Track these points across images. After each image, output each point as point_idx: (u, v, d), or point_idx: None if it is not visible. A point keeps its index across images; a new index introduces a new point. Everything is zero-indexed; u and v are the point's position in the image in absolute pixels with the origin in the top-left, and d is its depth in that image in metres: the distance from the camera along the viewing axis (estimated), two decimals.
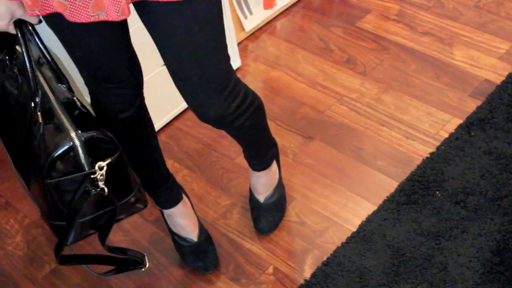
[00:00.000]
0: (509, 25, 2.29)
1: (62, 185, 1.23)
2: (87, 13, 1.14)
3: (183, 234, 1.71)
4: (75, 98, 1.26)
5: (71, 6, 1.13)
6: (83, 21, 1.15)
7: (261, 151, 1.65)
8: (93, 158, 1.22)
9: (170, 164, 1.99)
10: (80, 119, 1.24)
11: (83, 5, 1.13)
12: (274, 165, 1.74)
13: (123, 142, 1.47)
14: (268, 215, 1.76)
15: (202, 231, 1.74)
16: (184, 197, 1.71)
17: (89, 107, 1.32)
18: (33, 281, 1.77)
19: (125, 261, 1.44)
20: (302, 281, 1.67)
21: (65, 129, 1.21)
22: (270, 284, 1.68)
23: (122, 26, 1.30)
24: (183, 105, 2.14)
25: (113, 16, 1.13)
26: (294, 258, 1.73)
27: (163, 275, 1.73)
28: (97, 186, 1.23)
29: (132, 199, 1.35)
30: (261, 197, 1.76)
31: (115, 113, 1.40)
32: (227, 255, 1.75)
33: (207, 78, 1.29)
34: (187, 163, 2.00)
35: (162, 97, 2.05)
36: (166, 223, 1.73)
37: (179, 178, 1.94)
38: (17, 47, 1.34)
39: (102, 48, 1.28)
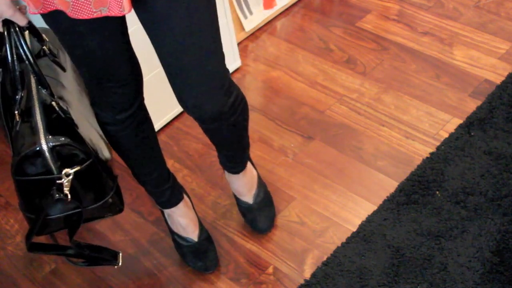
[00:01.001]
0: (509, 25, 2.29)
1: (29, 184, 1.27)
2: (89, 9, 1.14)
3: (183, 233, 1.71)
4: (53, 102, 1.27)
5: (74, 3, 1.14)
6: (86, 17, 1.15)
7: (243, 149, 1.64)
8: (63, 163, 1.25)
9: (170, 164, 1.99)
10: (56, 124, 1.26)
11: (85, 1, 1.13)
12: (248, 163, 1.74)
13: (123, 142, 1.48)
14: (263, 213, 1.76)
15: (203, 231, 1.74)
16: (185, 196, 1.71)
17: (74, 113, 1.32)
18: (33, 281, 1.77)
19: (96, 257, 1.47)
20: (302, 281, 1.67)
21: (36, 131, 1.24)
22: (270, 284, 1.68)
23: (121, 26, 1.30)
24: None
25: (116, 11, 1.14)
26: (294, 258, 1.73)
27: (163, 275, 1.73)
28: (62, 191, 1.27)
29: (107, 203, 1.38)
30: (249, 198, 1.76)
31: (116, 113, 1.40)
32: (227, 255, 1.75)
33: (208, 75, 1.30)
34: (187, 163, 2.00)
35: (162, 97, 2.05)
36: (166, 223, 1.73)
37: (179, 178, 1.94)
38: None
39: (102, 47, 1.28)
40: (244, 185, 1.74)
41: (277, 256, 1.74)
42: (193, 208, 1.75)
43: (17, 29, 1.24)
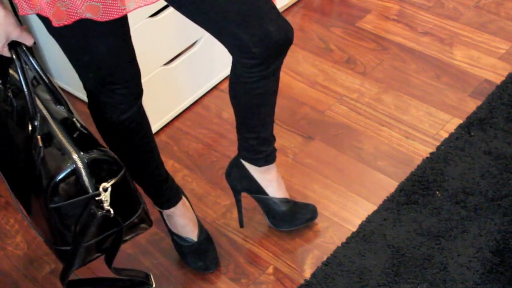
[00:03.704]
0: (509, 25, 2.29)
1: (66, 209, 1.20)
2: (118, 7, 1.15)
3: (182, 234, 1.71)
4: (74, 119, 1.24)
5: (104, 6, 1.14)
6: (116, 16, 1.15)
7: (272, 124, 1.60)
8: (96, 179, 1.19)
9: (170, 164, 1.99)
10: (81, 140, 1.21)
11: (114, 1, 1.13)
12: None
13: (123, 143, 1.48)
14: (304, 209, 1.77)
15: (202, 230, 1.74)
16: (183, 197, 1.71)
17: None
18: (33, 281, 1.77)
19: (131, 281, 1.41)
20: (302, 281, 1.67)
21: (67, 151, 1.18)
22: (270, 284, 1.68)
23: (126, 28, 1.31)
24: (183, 105, 2.14)
25: (141, 2, 1.15)
26: (294, 258, 1.73)
27: (163, 275, 1.74)
28: (102, 208, 1.20)
29: (136, 220, 1.31)
30: (286, 193, 1.72)
31: (118, 114, 1.40)
32: (227, 255, 1.75)
33: (273, 9, 1.35)
34: (187, 163, 2.00)
35: (162, 97, 2.05)
36: (165, 224, 1.73)
37: (179, 178, 1.94)
38: (11, 71, 1.31)
39: (110, 49, 1.28)
40: (278, 177, 1.69)
41: (277, 256, 1.74)
42: (192, 208, 1.75)
43: (24, 48, 1.21)
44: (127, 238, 1.32)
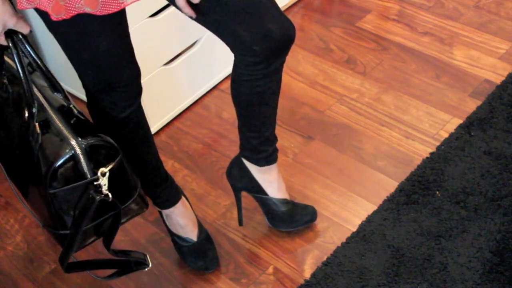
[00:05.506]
0: (509, 25, 2.29)
1: (65, 194, 1.22)
2: (116, 1, 1.15)
3: (182, 234, 1.71)
4: (71, 106, 1.25)
5: (103, 0, 1.14)
6: (115, 10, 1.16)
7: (275, 124, 1.60)
8: (94, 164, 1.21)
9: (170, 164, 1.99)
10: (78, 127, 1.23)
11: None
12: None
13: (122, 142, 1.48)
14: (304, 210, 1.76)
15: (202, 230, 1.73)
16: (183, 197, 1.71)
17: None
18: (33, 281, 1.77)
19: (129, 262, 1.43)
20: (302, 281, 1.67)
21: (65, 137, 1.20)
22: (270, 284, 1.68)
23: (125, 27, 1.31)
24: (183, 105, 2.14)
25: None
26: (294, 258, 1.73)
27: (163, 275, 1.74)
28: (101, 192, 1.22)
29: (132, 203, 1.34)
30: (286, 194, 1.72)
31: (117, 112, 1.40)
32: (227, 255, 1.75)
33: (277, 9, 1.34)
34: (187, 163, 2.00)
35: (162, 97, 2.05)
36: (165, 224, 1.73)
37: (179, 178, 1.94)
38: (6, 58, 1.32)
39: (109, 47, 1.28)
40: (279, 178, 1.69)
41: (277, 256, 1.74)
42: (191, 208, 1.75)
43: (20, 36, 1.21)
44: (123, 220, 1.35)
